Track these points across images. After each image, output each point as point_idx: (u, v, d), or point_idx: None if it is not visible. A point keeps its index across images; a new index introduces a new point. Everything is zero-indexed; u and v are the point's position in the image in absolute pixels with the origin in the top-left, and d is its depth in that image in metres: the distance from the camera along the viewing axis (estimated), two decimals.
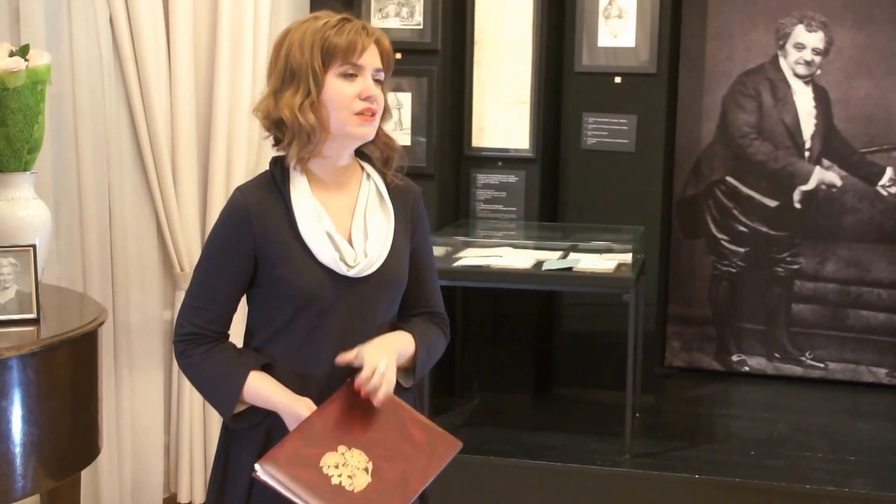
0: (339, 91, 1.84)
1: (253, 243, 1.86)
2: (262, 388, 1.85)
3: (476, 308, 4.18)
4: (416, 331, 1.96)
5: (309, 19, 1.88)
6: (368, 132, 1.88)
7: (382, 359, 1.83)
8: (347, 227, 1.91)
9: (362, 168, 1.97)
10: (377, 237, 1.91)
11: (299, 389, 1.87)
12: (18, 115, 2.59)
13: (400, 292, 1.97)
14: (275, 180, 1.89)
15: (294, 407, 1.83)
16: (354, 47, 1.83)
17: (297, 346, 1.88)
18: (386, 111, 1.94)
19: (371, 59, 1.86)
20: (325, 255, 1.85)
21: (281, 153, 1.91)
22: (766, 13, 4.43)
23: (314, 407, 1.83)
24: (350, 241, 1.89)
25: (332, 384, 1.87)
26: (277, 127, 1.88)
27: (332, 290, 1.86)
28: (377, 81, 1.88)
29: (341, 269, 1.86)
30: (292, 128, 1.84)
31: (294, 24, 1.90)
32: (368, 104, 1.85)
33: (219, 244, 1.89)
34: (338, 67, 1.84)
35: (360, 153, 1.97)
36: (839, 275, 4.49)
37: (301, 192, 1.88)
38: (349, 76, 1.85)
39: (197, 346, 1.89)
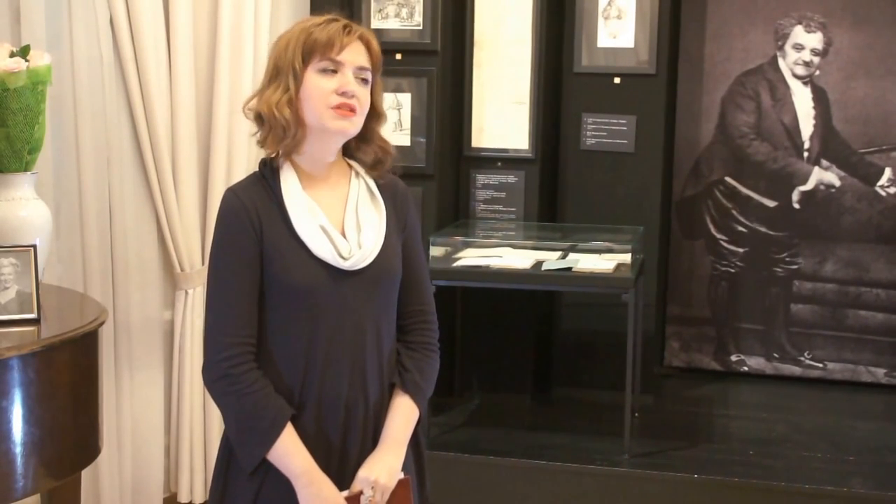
0: (315, 86, 1.85)
1: (257, 239, 1.86)
2: (289, 458, 1.85)
3: (476, 308, 4.18)
4: (411, 388, 1.97)
5: (300, 22, 1.91)
6: (345, 126, 1.87)
7: (368, 486, 1.89)
8: (340, 220, 1.92)
9: (350, 167, 1.98)
10: (370, 229, 1.92)
11: (299, 390, 1.88)
12: (19, 116, 2.60)
13: (395, 287, 1.97)
14: (265, 179, 1.91)
15: (314, 488, 1.84)
16: (333, 43, 1.85)
17: (295, 343, 1.88)
18: (381, 115, 1.95)
19: (352, 56, 1.87)
20: (321, 247, 1.86)
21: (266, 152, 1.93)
22: (764, 14, 4.44)
23: (336, 490, 1.86)
24: (343, 234, 1.90)
25: (328, 383, 1.88)
26: (259, 122, 1.91)
27: (328, 283, 1.86)
28: (363, 80, 1.89)
29: (337, 261, 1.87)
30: (268, 122, 1.86)
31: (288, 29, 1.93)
32: (345, 99, 1.85)
33: (227, 247, 1.87)
34: (316, 63, 1.85)
35: (351, 156, 1.98)
36: (838, 275, 4.49)
37: (292, 189, 1.89)
38: (329, 72, 1.86)
39: (245, 369, 1.84)
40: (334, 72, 1.86)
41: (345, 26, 1.88)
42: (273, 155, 1.92)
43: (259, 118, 1.90)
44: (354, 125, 1.89)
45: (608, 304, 3.91)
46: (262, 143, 1.90)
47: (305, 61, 1.85)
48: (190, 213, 3.58)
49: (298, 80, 1.85)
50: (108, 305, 3.31)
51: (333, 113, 1.85)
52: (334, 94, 1.84)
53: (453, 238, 3.94)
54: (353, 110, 1.86)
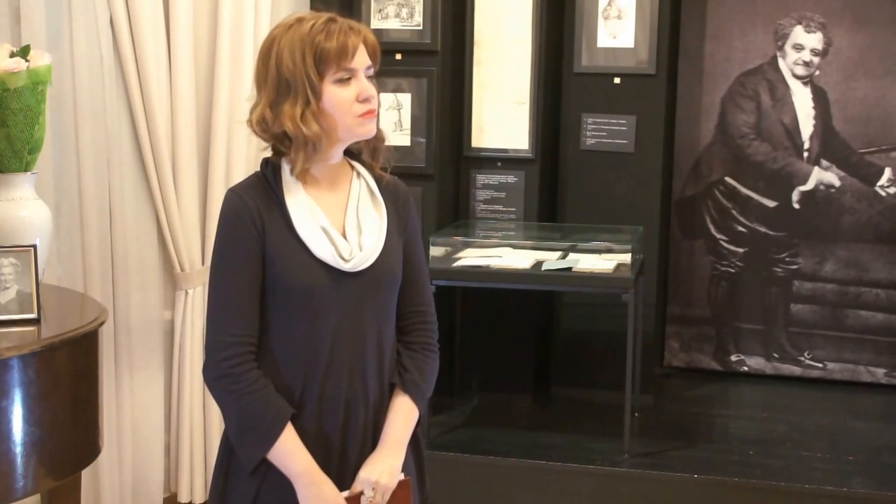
0: (338, 98, 1.84)
1: (259, 239, 1.86)
2: (290, 458, 1.85)
3: (476, 308, 4.19)
4: (411, 388, 1.97)
5: (293, 24, 1.86)
6: (371, 129, 1.90)
7: (369, 487, 1.90)
8: (341, 222, 1.92)
9: (352, 167, 1.98)
10: (371, 231, 1.92)
11: (299, 390, 1.88)
12: (19, 116, 2.59)
13: (395, 289, 1.98)
14: (267, 180, 1.91)
15: (315, 488, 1.84)
16: (346, 51, 1.83)
17: (296, 344, 1.88)
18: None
19: (362, 58, 1.87)
20: (322, 249, 1.86)
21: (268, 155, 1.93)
22: (764, 14, 4.44)
23: (337, 490, 1.86)
24: (344, 236, 1.90)
25: (329, 383, 1.88)
26: (279, 140, 1.88)
27: (330, 285, 1.87)
28: (368, 77, 1.89)
29: (338, 262, 1.87)
30: (296, 139, 1.84)
31: (278, 30, 1.87)
32: (368, 105, 1.87)
33: (229, 247, 1.87)
34: (333, 74, 1.84)
35: (348, 151, 1.98)
36: (838, 275, 4.49)
37: (294, 191, 1.89)
38: (345, 80, 1.85)
39: (245, 369, 1.84)
40: (349, 78, 1.85)
41: (350, 27, 1.86)
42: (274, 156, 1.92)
43: (278, 136, 1.86)
44: (376, 124, 1.92)
45: (608, 304, 3.91)
46: (291, 160, 1.86)
47: (320, 73, 1.83)
48: (190, 214, 3.58)
49: (318, 94, 1.83)
50: (108, 305, 3.31)
51: (360, 120, 1.87)
52: (356, 102, 1.85)
53: (453, 238, 3.94)
54: (373, 112, 1.89)
